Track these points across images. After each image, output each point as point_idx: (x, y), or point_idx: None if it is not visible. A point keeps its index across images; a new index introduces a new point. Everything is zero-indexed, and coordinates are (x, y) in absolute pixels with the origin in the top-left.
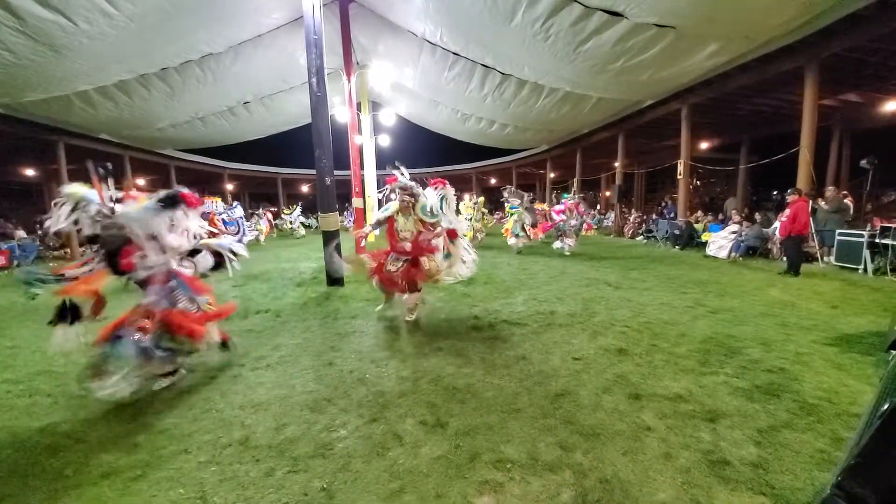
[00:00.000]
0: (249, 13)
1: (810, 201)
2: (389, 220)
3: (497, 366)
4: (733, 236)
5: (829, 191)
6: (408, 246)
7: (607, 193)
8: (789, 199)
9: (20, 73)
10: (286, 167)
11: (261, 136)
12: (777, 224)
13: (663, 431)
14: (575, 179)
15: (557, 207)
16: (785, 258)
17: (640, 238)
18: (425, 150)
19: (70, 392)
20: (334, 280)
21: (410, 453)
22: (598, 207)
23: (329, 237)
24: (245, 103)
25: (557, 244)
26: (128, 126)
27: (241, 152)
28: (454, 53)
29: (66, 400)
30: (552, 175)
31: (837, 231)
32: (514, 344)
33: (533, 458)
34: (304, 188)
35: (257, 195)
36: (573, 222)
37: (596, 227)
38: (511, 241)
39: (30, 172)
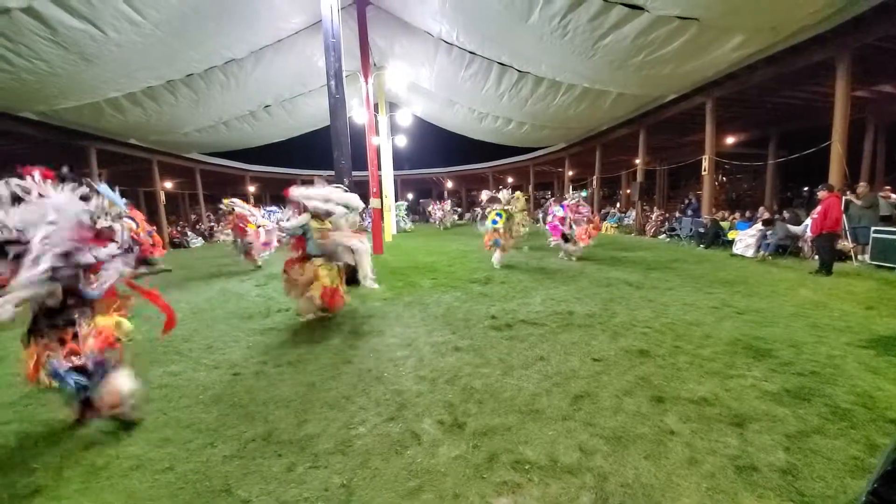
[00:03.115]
0: (269, 18)
1: (843, 197)
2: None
3: (515, 366)
4: (760, 234)
5: (862, 186)
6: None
7: (628, 191)
8: (821, 195)
9: (54, 81)
10: (306, 169)
11: (281, 138)
12: (808, 221)
13: (687, 435)
14: (594, 177)
15: (558, 212)
16: (816, 257)
17: (662, 237)
18: (442, 149)
19: None
20: (352, 280)
21: (428, 452)
22: (619, 205)
23: None
24: (266, 107)
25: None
26: (156, 131)
27: (262, 155)
28: (470, 52)
29: None
30: (570, 173)
31: (872, 228)
32: (532, 344)
33: (552, 460)
34: None
35: (278, 197)
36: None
37: (616, 225)
38: (495, 257)
39: None
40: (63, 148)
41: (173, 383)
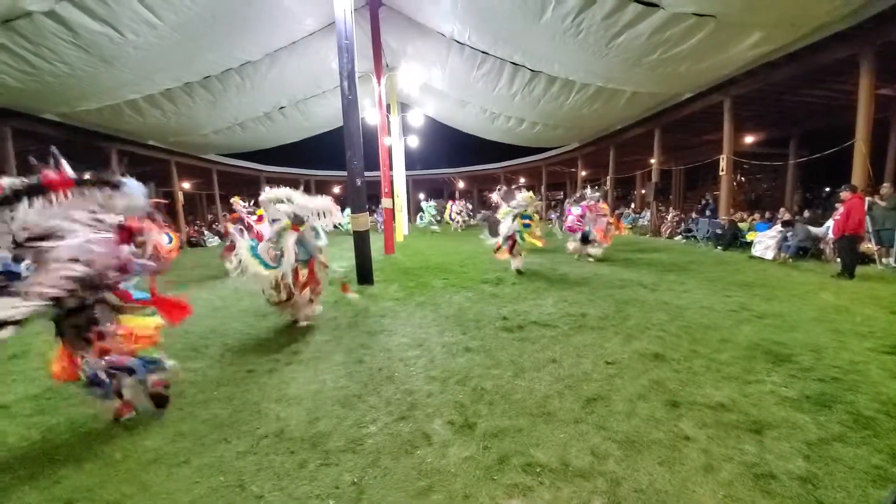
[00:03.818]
0: (284, 20)
1: (866, 198)
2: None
3: (526, 368)
4: (780, 235)
5: (886, 187)
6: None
7: (642, 191)
8: (843, 196)
9: (75, 83)
10: (319, 169)
11: (296, 139)
12: (830, 223)
13: (704, 441)
14: (608, 177)
15: (576, 211)
16: (838, 259)
17: (678, 238)
18: (454, 150)
19: None
20: (364, 279)
21: (438, 453)
22: (633, 206)
23: (360, 237)
24: (281, 108)
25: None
26: (174, 133)
27: (277, 156)
28: (482, 52)
29: None
30: (583, 173)
31: None
32: (543, 346)
33: (564, 464)
34: (336, 189)
35: None
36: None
37: (630, 226)
38: (514, 263)
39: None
40: (84, 149)
41: (190, 379)
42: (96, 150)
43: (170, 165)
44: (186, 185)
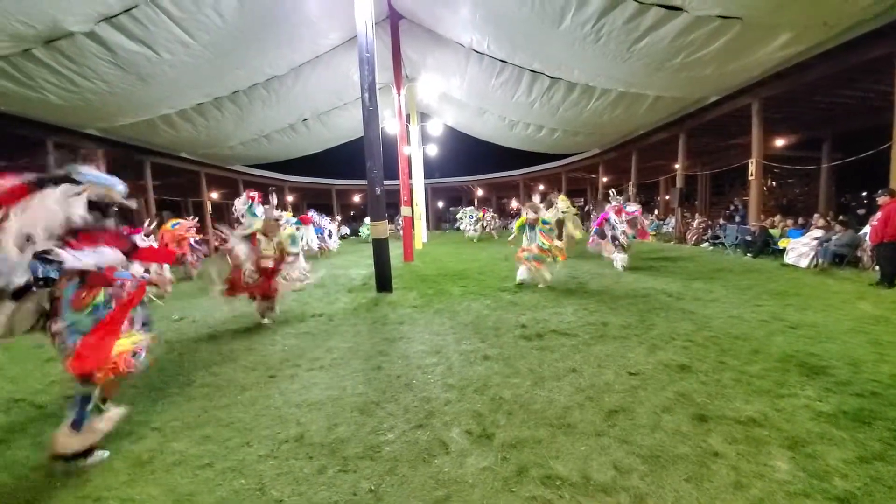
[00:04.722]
0: (308, 36)
1: None
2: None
3: (546, 377)
4: (815, 242)
5: None
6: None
7: (667, 197)
8: (880, 200)
9: (113, 100)
10: (340, 178)
11: (318, 150)
12: (867, 229)
13: (733, 458)
14: (630, 183)
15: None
16: (877, 267)
17: (705, 245)
18: (472, 157)
19: (150, 384)
20: (383, 287)
21: (456, 462)
22: (657, 212)
23: (379, 244)
24: (304, 120)
25: (615, 256)
26: (204, 145)
27: (300, 166)
28: (501, 61)
29: (147, 391)
30: (604, 179)
31: None
32: (563, 355)
33: (585, 477)
34: (356, 198)
35: (314, 205)
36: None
37: (654, 233)
38: (546, 275)
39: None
40: (122, 161)
41: (214, 383)
42: (132, 162)
43: (199, 176)
44: (215, 195)
